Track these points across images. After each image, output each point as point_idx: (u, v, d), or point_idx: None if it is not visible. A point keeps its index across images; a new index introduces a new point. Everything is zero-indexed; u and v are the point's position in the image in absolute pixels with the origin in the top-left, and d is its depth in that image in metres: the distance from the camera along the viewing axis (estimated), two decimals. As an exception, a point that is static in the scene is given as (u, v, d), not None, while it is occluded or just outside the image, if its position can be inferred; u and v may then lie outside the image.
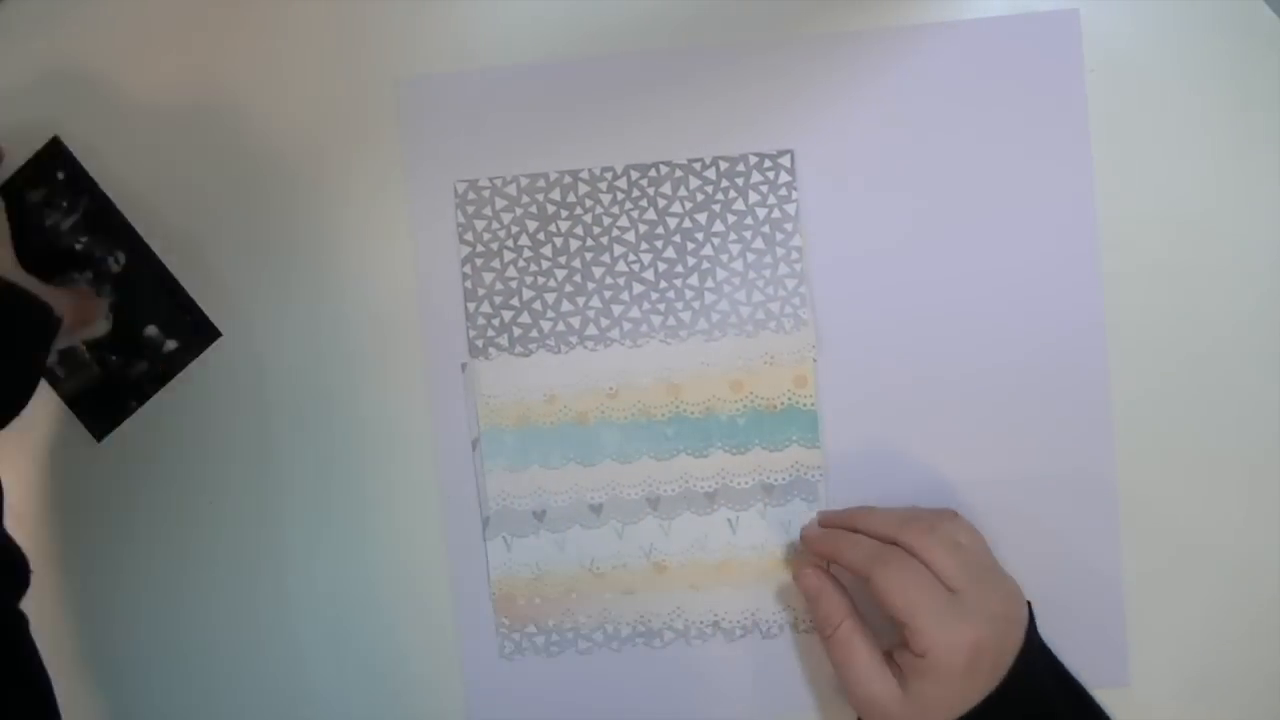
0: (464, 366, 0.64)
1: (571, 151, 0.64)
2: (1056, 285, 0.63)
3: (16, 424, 0.55)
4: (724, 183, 0.63)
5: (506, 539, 0.64)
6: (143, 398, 0.64)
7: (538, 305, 0.64)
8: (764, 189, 0.63)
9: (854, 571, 0.58)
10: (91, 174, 0.64)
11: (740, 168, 0.63)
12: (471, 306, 0.64)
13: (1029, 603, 0.58)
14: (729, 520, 0.64)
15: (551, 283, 0.64)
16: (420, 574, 0.64)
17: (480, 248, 0.64)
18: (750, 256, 0.63)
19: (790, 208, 0.63)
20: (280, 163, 0.64)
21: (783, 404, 0.63)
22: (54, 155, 0.64)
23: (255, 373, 0.64)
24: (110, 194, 0.64)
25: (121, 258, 0.64)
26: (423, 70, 0.64)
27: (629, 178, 0.63)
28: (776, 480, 0.64)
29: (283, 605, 0.65)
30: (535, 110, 0.64)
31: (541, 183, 0.64)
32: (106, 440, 0.65)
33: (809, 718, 0.64)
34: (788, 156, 0.63)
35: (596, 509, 0.64)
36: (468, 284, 0.64)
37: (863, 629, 0.58)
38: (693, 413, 0.64)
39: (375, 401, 0.64)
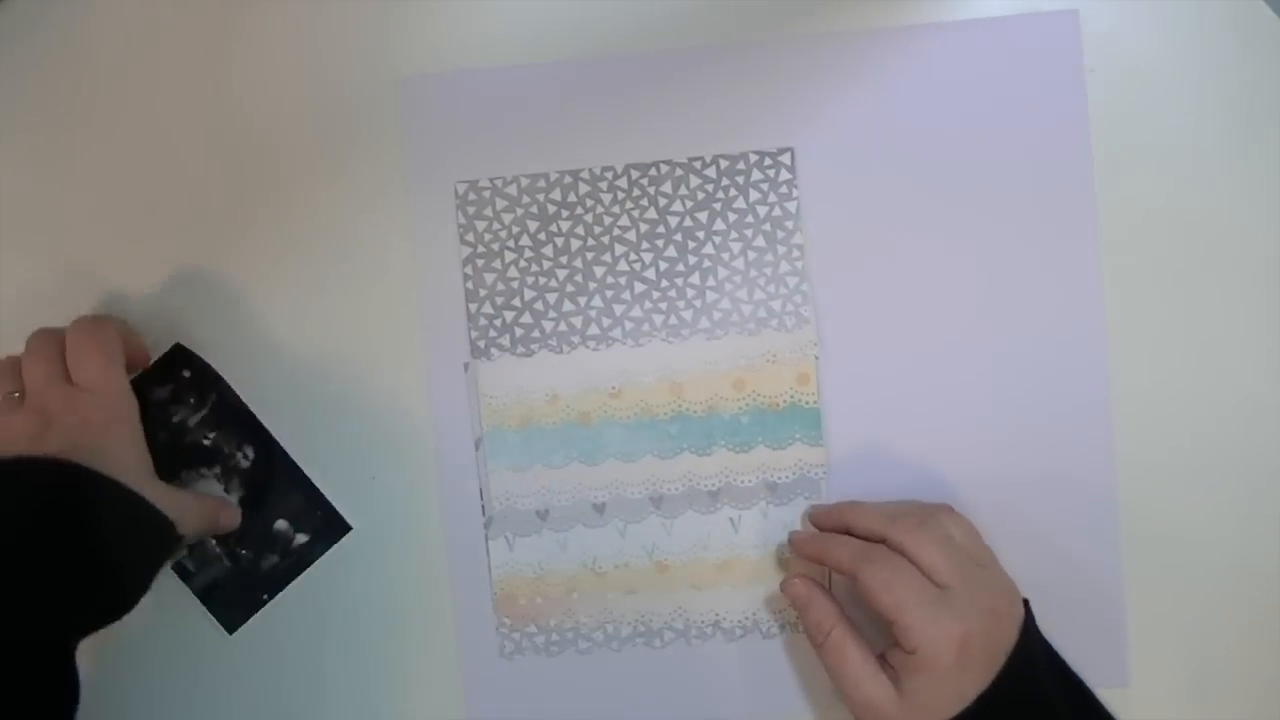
0: (466, 367, 0.64)
1: (571, 151, 0.64)
2: (1056, 285, 0.63)
3: (147, 617, 0.58)
4: (724, 181, 0.63)
5: (509, 538, 0.64)
6: (274, 590, 0.64)
7: (539, 305, 0.64)
8: (765, 187, 0.63)
9: (841, 572, 0.58)
10: (216, 368, 0.64)
11: (741, 166, 0.63)
12: (473, 307, 0.64)
13: (1026, 600, 0.58)
14: (731, 519, 0.64)
15: (553, 283, 0.64)
16: (421, 573, 0.64)
17: (481, 248, 0.64)
18: (751, 255, 0.63)
19: (791, 206, 0.63)
20: (280, 162, 0.64)
21: (785, 402, 0.63)
22: (178, 356, 0.64)
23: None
24: (235, 388, 0.64)
25: (250, 452, 0.64)
26: (423, 70, 0.64)
27: (629, 177, 0.63)
28: (780, 479, 0.64)
29: (284, 603, 0.65)
30: (535, 110, 0.64)
31: (542, 183, 0.64)
32: (238, 633, 0.65)
33: (809, 718, 0.64)
34: (788, 155, 0.63)
35: (599, 508, 0.64)
36: (469, 284, 0.64)
37: (854, 633, 0.58)
38: (695, 411, 0.64)
39: (377, 402, 0.64)
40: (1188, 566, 0.63)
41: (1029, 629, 0.57)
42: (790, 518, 0.64)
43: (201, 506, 0.61)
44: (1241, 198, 0.63)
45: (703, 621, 0.64)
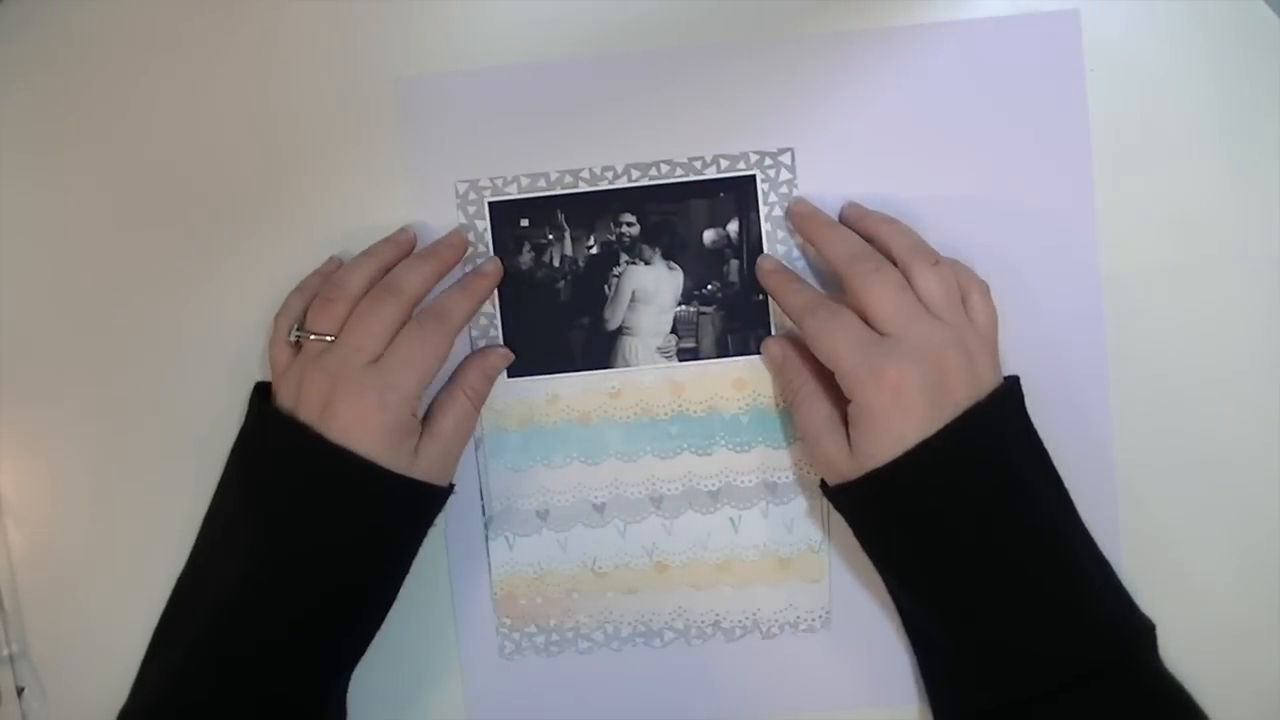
0: (466, 366, 0.64)
1: (571, 151, 0.64)
2: (1056, 285, 0.63)
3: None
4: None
5: (509, 538, 0.64)
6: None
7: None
8: (765, 186, 0.63)
9: (790, 317, 0.60)
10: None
11: (741, 165, 0.63)
12: (473, 306, 0.64)
13: (1016, 377, 0.59)
14: (731, 519, 0.64)
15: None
16: (421, 573, 0.64)
17: (481, 247, 0.64)
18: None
19: (792, 206, 0.63)
20: (280, 162, 0.64)
21: (785, 402, 0.63)
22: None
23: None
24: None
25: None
26: (423, 70, 0.64)
27: (629, 177, 0.63)
28: (780, 479, 0.64)
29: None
30: (535, 110, 0.64)
31: (542, 183, 0.64)
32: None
33: (809, 717, 0.64)
34: (788, 155, 0.63)
35: (600, 508, 0.64)
36: (469, 283, 0.64)
37: (822, 391, 0.58)
38: (696, 411, 0.64)
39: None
40: (1188, 566, 0.63)
41: (1006, 398, 0.57)
42: (791, 517, 0.64)
43: (459, 424, 0.60)
44: (1241, 198, 0.63)
45: (703, 621, 0.64)
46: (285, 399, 0.57)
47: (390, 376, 0.56)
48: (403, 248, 0.61)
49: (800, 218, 0.62)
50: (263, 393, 0.60)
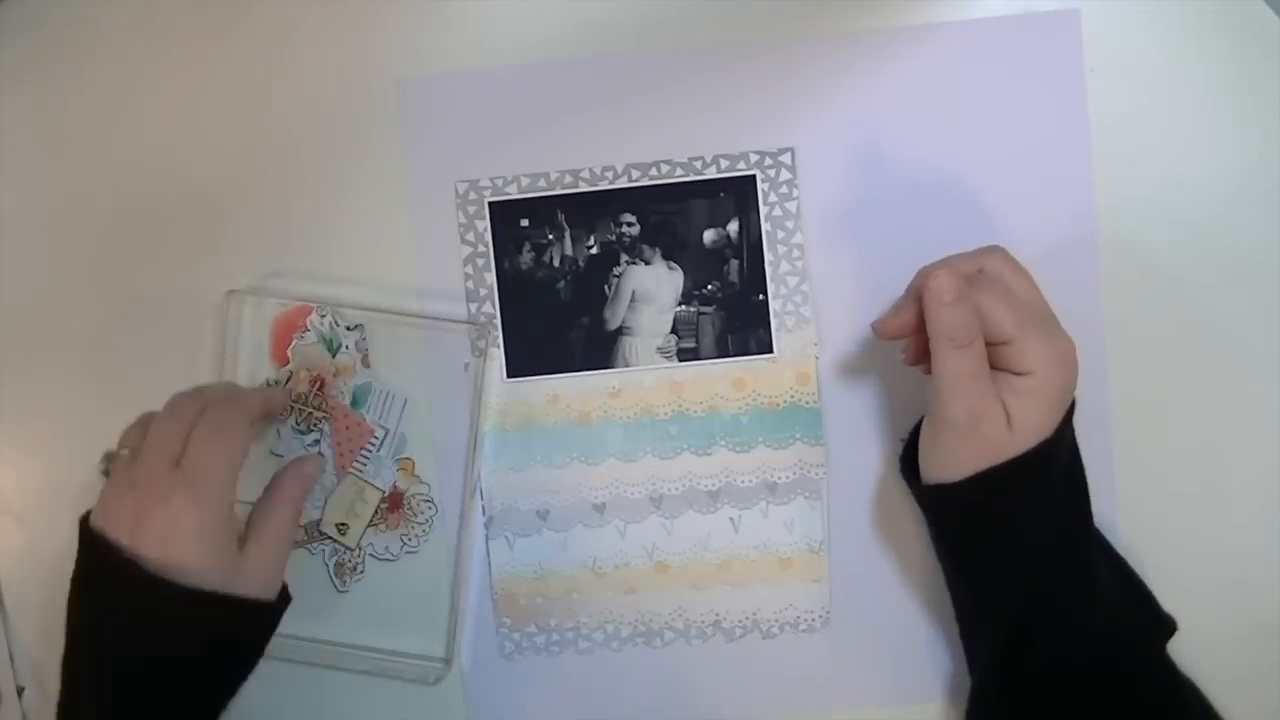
0: (466, 366, 0.64)
1: (571, 151, 0.64)
2: (1056, 285, 0.63)
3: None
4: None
5: (509, 538, 0.64)
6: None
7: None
8: (765, 186, 0.63)
9: (957, 279, 0.54)
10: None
11: (741, 165, 0.63)
12: (474, 307, 0.64)
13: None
14: (732, 519, 0.64)
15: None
16: (422, 573, 0.64)
17: (481, 247, 0.64)
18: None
19: (791, 205, 0.63)
20: (280, 162, 0.64)
21: (785, 402, 0.63)
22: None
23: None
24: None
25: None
26: (423, 70, 0.64)
27: (629, 177, 0.63)
28: (780, 478, 0.64)
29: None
30: (535, 110, 0.64)
31: (542, 182, 0.64)
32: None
33: (808, 717, 0.64)
34: (788, 155, 0.63)
35: (600, 508, 0.64)
36: (469, 284, 0.64)
37: (977, 344, 0.54)
38: (696, 411, 0.64)
39: (376, 401, 0.64)
40: (1187, 567, 0.63)
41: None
42: (790, 517, 0.64)
43: (280, 529, 0.58)
44: (1241, 197, 0.63)
45: (703, 621, 0.64)
46: (97, 519, 0.54)
47: (194, 473, 0.53)
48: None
49: (891, 320, 0.58)
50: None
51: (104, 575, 0.54)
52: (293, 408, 0.64)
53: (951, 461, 0.55)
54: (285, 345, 0.64)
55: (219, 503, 0.54)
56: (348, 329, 0.64)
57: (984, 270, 0.56)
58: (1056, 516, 0.55)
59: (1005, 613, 0.56)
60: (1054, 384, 0.54)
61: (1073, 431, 0.56)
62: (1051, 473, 0.54)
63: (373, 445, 0.64)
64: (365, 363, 0.64)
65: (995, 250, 0.57)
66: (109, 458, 0.57)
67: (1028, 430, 0.53)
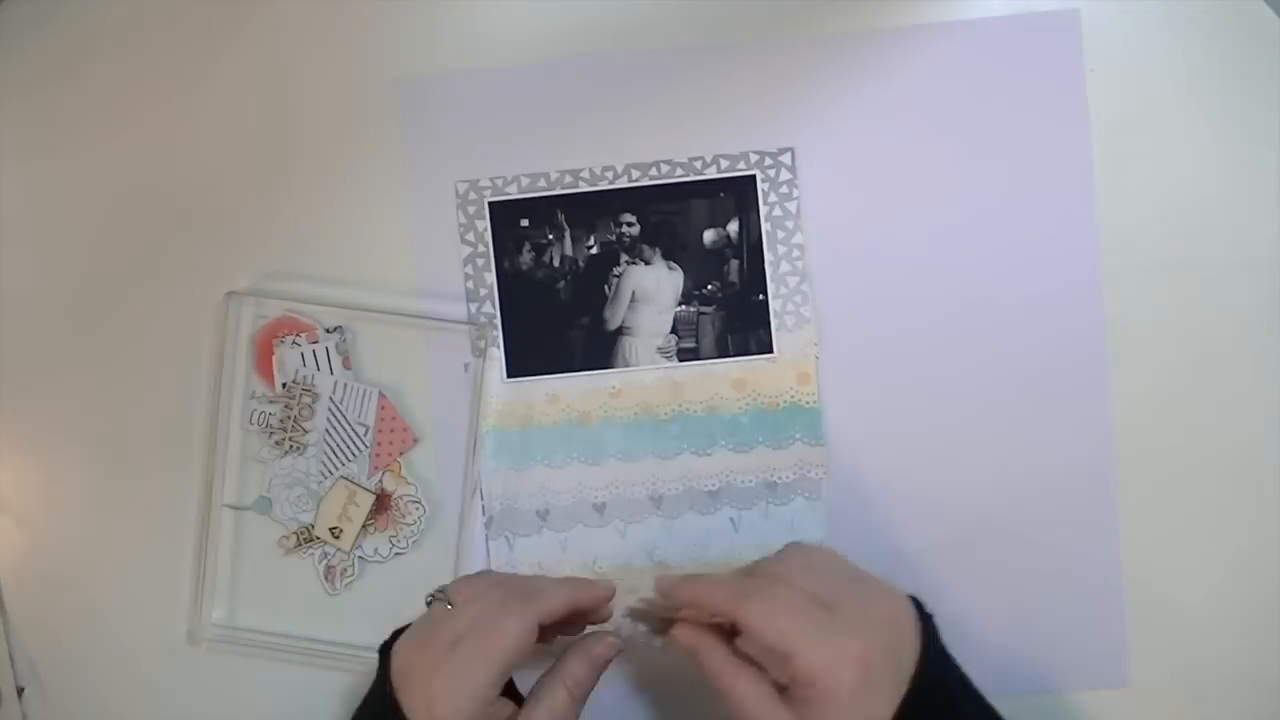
0: (466, 367, 0.64)
1: (571, 151, 0.64)
2: (1056, 285, 0.63)
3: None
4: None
5: (509, 538, 0.64)
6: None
7: (539, 304, 0.64)
8: (765, 186, 0.63)
9: (718, 613, 0.53)
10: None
11: (741, 165, 0.63)
12: (474, 307, 0.64)
13: (916, 599, 0.53)
14: (732, 519, 0.64)
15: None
16: (422, 573, 0.64)
17: (481, 247, 0.64)
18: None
19: (791, 205, 0.63)
20: (280, 162, 0.64)
21: (785, 402, 0.63)
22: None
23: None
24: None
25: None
26: (423, 70, 0.64)
27: (629, 177, 0.64)
28: (780, 478, 0.64)
29: (285, 601, 0.65)
30: (535, 110, 0.64)
31: (542, 182, 0.64)
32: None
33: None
34: (788, 155, 0.63)
35: (600, 508, 0.64)
36: (469, 284, 0.64)
37: (752, 672, 0.52)
38: (696, 411, 0.64)
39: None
40: (1187, 567, 0.63)
41: (931, 634, 0.52)
42: (791, 517, 0.64)
43: (554, 716, 0.54)
44: (1241, 198, 0.63)
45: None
46: (399, 653, 0.54)
47: (460, 664, 0.52)
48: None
49: (672, 592, 0.57)
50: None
51: (379, 699, 0.53)
52: (270, 433, 0.64)
53: None
54: (269, 356, 0.64)
55: (476, 701, 0.51)
56: (327, 331, 0.64)
57: (753, 575, 0.54)
58: None
59: None
60: (841, 690, 0.48)
61: (948, 688, 0.52)
62: None
63: (365, 446, 0.64)
64: (346, 365, 0.64)
65: (786, 551, 0.55)
66: (440, 594, 0.55)
67: None
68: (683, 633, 0.56)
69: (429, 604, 0.56)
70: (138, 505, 0.64)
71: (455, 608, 0.54)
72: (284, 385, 0.64)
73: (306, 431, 0.64)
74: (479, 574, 0.58)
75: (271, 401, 0.64)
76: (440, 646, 0.52)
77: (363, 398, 0.64)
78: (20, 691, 0.65)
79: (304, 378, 0.64)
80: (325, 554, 0.64)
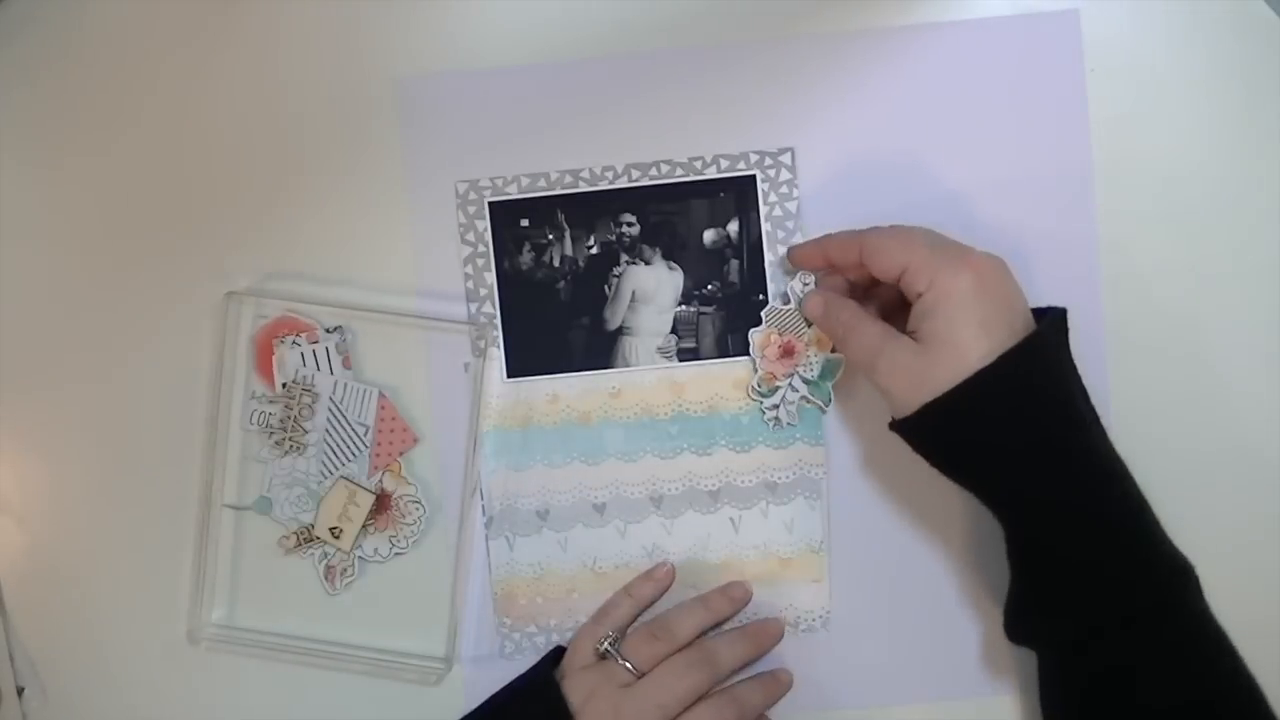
0: (466, 366, 0.64)
1: (571, 151, 0.64)
2: (1056, 285, 0.63)
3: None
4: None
5: (509, 538, 0.64)
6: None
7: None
8: (765, 186, 0.63)
9: (846, 254, 0.58)
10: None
11: (741, 165, 0.63)
12: (474, 307, 0.64)
13: (1063, 310, 0.56)
14: (732, 519, 0.64)
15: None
16: (422, 573, 0.64)
17: (481, 247, 0.64)
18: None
19: (791, 205, 0.63)
20: (280, 162, 0.64)
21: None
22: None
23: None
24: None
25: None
26: (423, 70, 0.64)
27: (629, 177, 0.63)
28: (780, 478, 0.64)
29: (285, 601, 0.65)
30: (535, 110, 0.64)
31: (542, 182, 0.64)
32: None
33: (808, 717, 0.64)
34: (788, 155, 0.63)
35: (600, 508, 0.64)
36: (469, 284, 0.64)
37: (871, 315, 0.57)
38: (696, 411, 0.64)
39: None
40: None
41: (1057, 328, 0.55)
42: (790, 517, 0.64)
43: None
44: (1241, 198, 0.63)
45: (702, 621, 0.64)
46: (573, 696, 0.59)
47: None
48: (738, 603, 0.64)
49: (802, 256, 0.62)
50: (556, 659, 0.63)
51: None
52: (271, 433, 0.64)
53: (898, 402, 0.55)
54: (269, 356, 0.64)
55: None
56: (327, 331, 0.64)
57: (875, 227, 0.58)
58: (1035, 432, 0.53)
59: (1009, 520, 0.56)
60: (954, 293, 0.53)
61: (1053, 347, 0.55)
62: (1010, 390, 0.53)
63: (365, 446, 0.64)
64: (346, 364, 0.64)
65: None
66: (615, 645, 0.60)
67: (953, 348, 0.53)
68: (812, 300, 0.60)
69: (604, 652, 0.61)
70: (138, 505, 0.64)
71: (644, 679, 0.59)
72: (284, 385, 0.64)
73: (306, 431, 0.64)
74: (649, 627, 0.62)
75: (271, 401, 0.64)
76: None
77: (363, 397, 0.64)
78: (20, 691, 0.65)
79: (304, 378, 0.64)
80: (325, 554, 0.64)
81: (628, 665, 0.59)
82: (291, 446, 0.64)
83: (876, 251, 0.56)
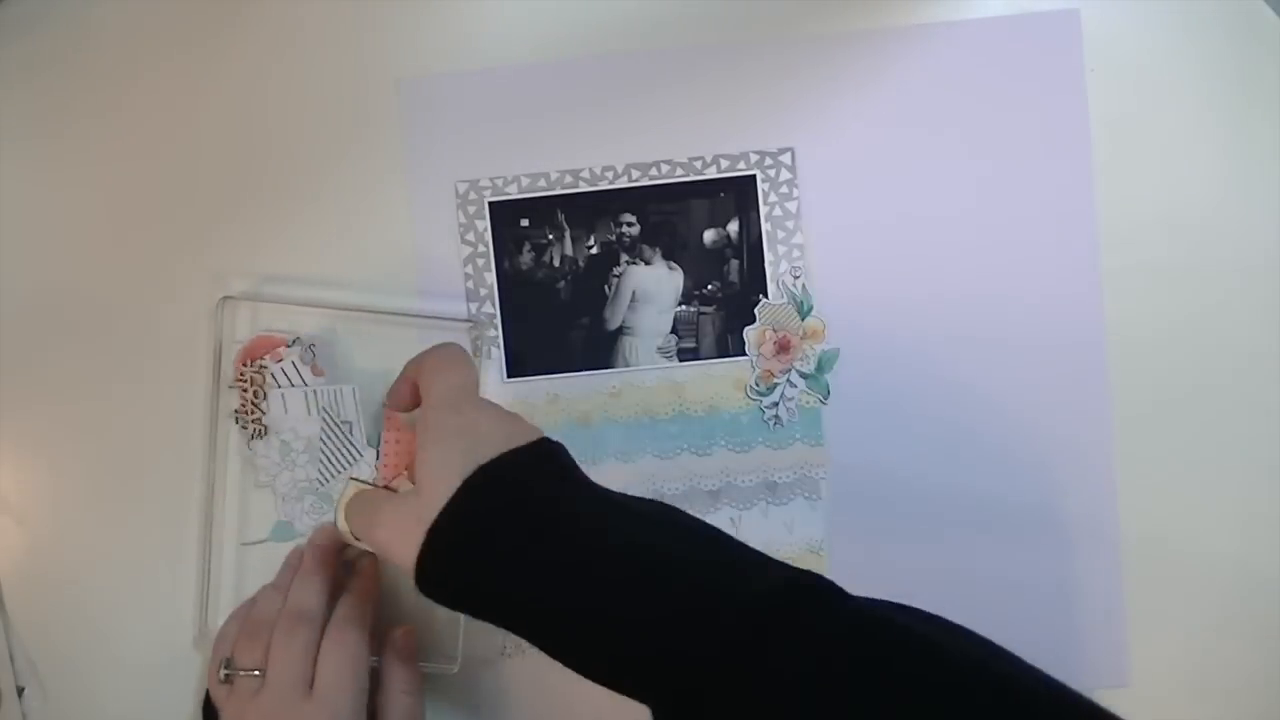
0: (466, 366, 0.64)
1: (571, 151, 0.64)
2: (1056, 285, 0.63)
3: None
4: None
5: (509, 538, 0.64)
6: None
7: (539, 304, 0.64)
8: (765, 186, 0.63)
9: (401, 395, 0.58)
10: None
11: (741, 165, 0.63)
12: (474, 307, 0.64)
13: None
14: (732, 519, 0.64)
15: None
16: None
17: (481, 247, 0.64)
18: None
19: (792, 205, 0.63)
20: (280, 162, 0.64)
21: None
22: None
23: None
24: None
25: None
26: (423, 70, 0.64)
27: (629, 177, 0.64)
28: (780, 478, 0.64)
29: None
30: (535, 110, 0.64)
31: (542, 182, 0.64)
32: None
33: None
34: (788, 155, 0.63)
35: (599, 508, 0.64)
36: (469, 284, 0.64)
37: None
38: (696, 411, 0.64)
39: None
40: (1188, 567, 0.63)
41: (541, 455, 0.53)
42: (790, 517, 0.64)
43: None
44: (1241, 197, 0.63)
45: (703, 621, 0.64)
46: None
47: (328, 705, 0.55)
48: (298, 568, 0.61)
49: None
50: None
51: None
52: (237, 418, 0.64)
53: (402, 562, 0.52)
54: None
55: (349, 713, 0.56)
56: (288, 345, 0.63)
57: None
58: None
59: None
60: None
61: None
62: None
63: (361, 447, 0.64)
64: (315, 372, 0.63)
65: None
66: (229, 666, 0.57)
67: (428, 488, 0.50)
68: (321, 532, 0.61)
69: (227, 679, 0.57)
70: (138, 505, 0.64)
71: (267, 673, 0.56)
72: (239, 373, 0.63)
73: (264, 413, 0.63)
74: (246, 629, 0.59)
75: (230, 388, 0.63)
76: (295, 708, 0.55)
77: (339, 398, 0.63)
78: (20, 691, 0.65)
79: (257, 365, 0.63)
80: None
81: (254, 672, 0.56)
82: (256, 432, 0.63)
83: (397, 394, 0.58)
